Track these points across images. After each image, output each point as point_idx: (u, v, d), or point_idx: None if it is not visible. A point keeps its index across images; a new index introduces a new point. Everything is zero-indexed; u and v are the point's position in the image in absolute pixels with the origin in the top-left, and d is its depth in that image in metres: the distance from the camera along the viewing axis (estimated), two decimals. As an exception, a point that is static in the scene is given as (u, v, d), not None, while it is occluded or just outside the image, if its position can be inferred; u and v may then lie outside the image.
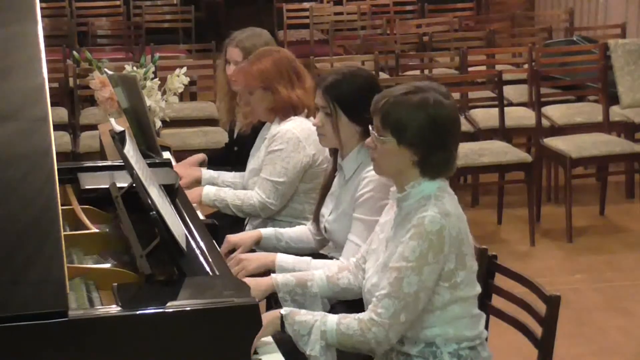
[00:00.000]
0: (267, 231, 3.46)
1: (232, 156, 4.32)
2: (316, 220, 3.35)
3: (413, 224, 2.60)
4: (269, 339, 2.66)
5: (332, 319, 2.64)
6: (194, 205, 3.57)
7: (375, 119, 2.70)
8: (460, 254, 2.62)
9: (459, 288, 2.64)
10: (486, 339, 2.80)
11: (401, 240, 2.63)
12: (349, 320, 2.62)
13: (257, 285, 2.87)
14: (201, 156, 4.42)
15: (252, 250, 3.37)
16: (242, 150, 4.18)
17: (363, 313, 2.64)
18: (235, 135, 4.35)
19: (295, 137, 3.65)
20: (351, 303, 2.94)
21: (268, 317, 2.64)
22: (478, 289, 2.74)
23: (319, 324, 2.63)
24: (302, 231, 3.46)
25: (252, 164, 3.91)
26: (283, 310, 2.68)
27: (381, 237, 2.79)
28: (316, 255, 3.39)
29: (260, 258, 3.16)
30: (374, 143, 2.71)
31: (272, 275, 2.97)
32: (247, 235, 3.45)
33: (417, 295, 2.58)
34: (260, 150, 3.86)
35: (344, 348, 2.65)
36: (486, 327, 2.89)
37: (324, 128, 3.22)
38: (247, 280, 2.85)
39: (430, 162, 2.65)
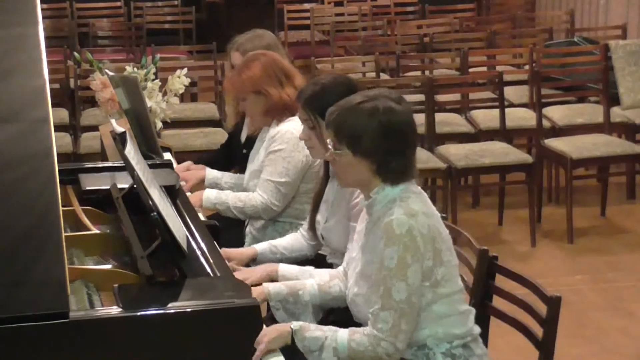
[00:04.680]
0: (262, 246, 3.40)
1: (239, 158, 4.29)
2: (312, 227, 3.34)
3: (382, 230, 2.61)
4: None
5: (343, 335, 2.63)
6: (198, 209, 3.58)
7: (330, 133, 2.71)
8: (436, 250, 2.63)
9: (440, 285, 2.65)
10: (484, 337, 2.81)
11: (374, 248, 2.64)
12: (359, 337, 2.62)
13: None
14: (200, 167, 4.39)
15: (247, 266, 3.30)
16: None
17: (368, 328, 2.63)
18: (244, 139, 4.33)
19: (294, 137, 3.65)
20: (345, 310, 2.93)
21: (278, 330, 2.61)
22: (460, 284, 2.74)
23: (330, 341, 2.62)
24: (294, 239, 3.44)
25: (251, 166, 3.91)
26: (293, 325, 2.65)
27: (359, 245, 2.80)
28: (315, 259, 3.38)
29: (261, 269, 3.12)
30: (332, 157, 2.72)
31: (264, 284, 2.96)
32: (243, 251, 3.38)
33: (410, 300, 2.59)
34: (259, 152, 3.87)
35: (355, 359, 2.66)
36: (487, 328, 2.90)
37: (310, 141, 3.22)
38: None
39: (388, 169, 2.66)
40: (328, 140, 2.72)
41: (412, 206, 2.63)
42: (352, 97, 2.72)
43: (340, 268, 3.00)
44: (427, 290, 2.63)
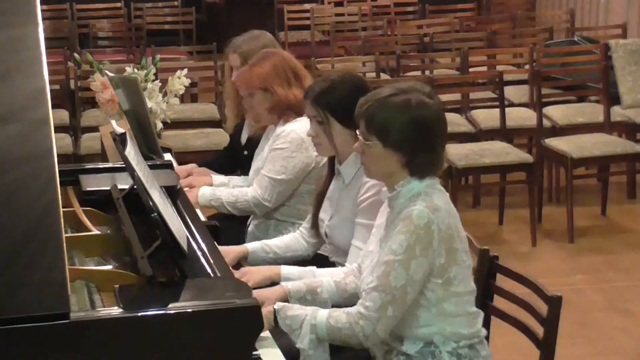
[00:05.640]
0: (254, 245, 3.37)
1: (241, 159, 4.30)
2: (315, 225, 3.34)
3: (401, 217, 2.61)
4: (267, 333, 2.67)
5: (323, 312, 2.66)
6: (195, 206, 3.58)
7: (360, 124, 2.71)
8: (451, 249, 2.62)
9: (452, 284, 2.64)
10: (486, 338, 2.81)
11: (391, 235, 2.63)
12: (338, 314, 2.64)
13: (269, 294, 2.84)
14: (203, 172, 4.38)
15: (240, 265, 3.28)
16: (253, 154, 4.17)
17: (353, 307, 2.65)
18: (244, 140, 4.33)
19: (298, 138, 3.66)
20: None
21: (263, 313, 2.64)
22: (473, 286, 2.74)
23: (310, 318, 2.65)
24: (290, 239, 3.42)
25: (255, 164, 3.93)
26: (276, 305, 2.69)
27: (377, 238, 2.80)
28: (315, 259, 3.38)
29: (264, 271, 3.10)
30: (361, 147, 2.72)
31: (283, 283, 2.95)
32: (232, 248, 3.33)
33: (405, 289, 2.59)
34: (264, 150, 3.88)
35: (334, 342, 2.66)
36: (488, 328, 2.90)
37: (318, 137, 3.22)
38: (258, 291, 2.81)
39: (416, 163, 2.66)
40: (357, 132, 2.72)
41: (436, 202, 2.63)
42: (383, 89, 2.73)
43: (355, 265, 2.98)
44: (439, 287, 2.63)
